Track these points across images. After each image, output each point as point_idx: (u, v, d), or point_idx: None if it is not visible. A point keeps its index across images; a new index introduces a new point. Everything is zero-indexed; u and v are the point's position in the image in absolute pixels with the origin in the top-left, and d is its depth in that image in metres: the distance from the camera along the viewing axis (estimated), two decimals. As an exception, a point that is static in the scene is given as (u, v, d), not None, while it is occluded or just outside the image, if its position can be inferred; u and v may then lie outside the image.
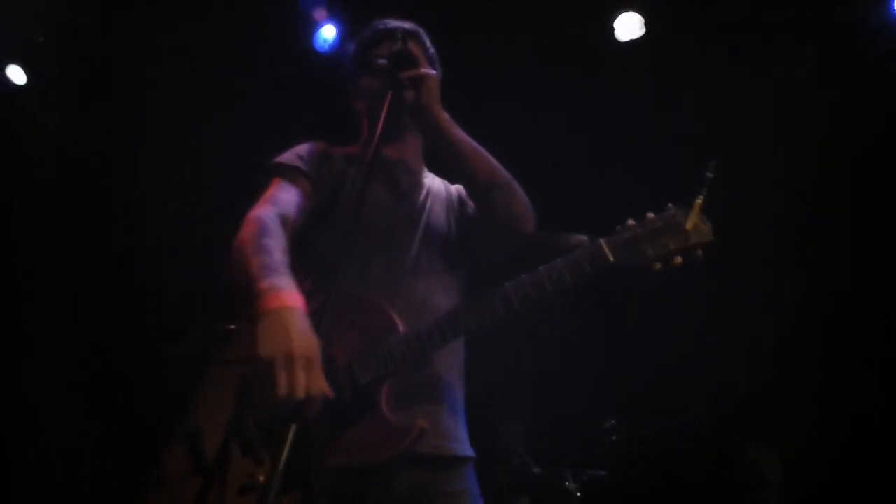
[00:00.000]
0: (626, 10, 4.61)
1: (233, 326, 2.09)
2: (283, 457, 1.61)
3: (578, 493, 4.57)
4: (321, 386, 1.74)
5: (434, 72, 2.22)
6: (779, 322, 4.74)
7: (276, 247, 1.97)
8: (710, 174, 1.93)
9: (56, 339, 5.18)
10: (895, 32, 4.34)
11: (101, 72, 4.94)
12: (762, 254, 4.63)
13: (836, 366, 4.65)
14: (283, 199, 2.18)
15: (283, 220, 2.10)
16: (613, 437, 4.54)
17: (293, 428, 1.62)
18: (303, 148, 2.36)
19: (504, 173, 2.20)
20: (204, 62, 4.85)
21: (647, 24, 4.61)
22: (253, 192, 2.29)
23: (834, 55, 4.48)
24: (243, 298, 1.90)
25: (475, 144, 2.21)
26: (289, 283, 1.87)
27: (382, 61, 2.22)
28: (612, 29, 4.65)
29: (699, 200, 1.95)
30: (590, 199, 4.78)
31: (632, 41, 4.66)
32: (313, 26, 4.79)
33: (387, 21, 2.46)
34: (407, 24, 2.42)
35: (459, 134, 2.20)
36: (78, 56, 4.92)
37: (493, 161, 2.20)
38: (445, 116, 2.19)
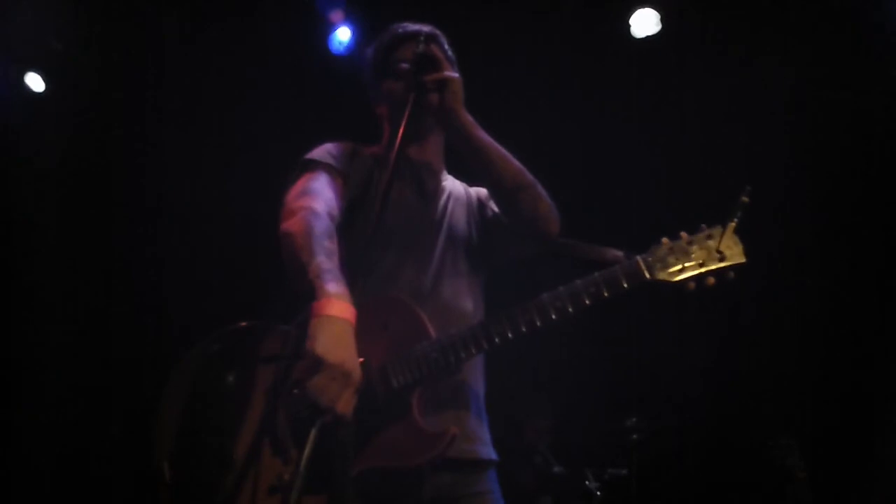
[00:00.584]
0: (642, 6, 4.59)
1: (249, 324, 2.09)
2: (305, 457, 1.62)
3: (599, 493, 4.56)
4: (349, 409, 1.79)
5: (457, 74, 2.19)
6: (806, 318, 4.70)
7: (335, 250, 2.00)
8: (745, 199, 1.95)
9: (67, 339, 5.23)
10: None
11: (118, 79, 4.97)
12: (789, 249, 4.60)
13: (862, 361, 4.61)
14: (327, 194, 2.18)
15: (332, 217, 2.12)
16: (635, 436, 4.52)
17: (315, 429, 1.64)
18: (332, 146, 2.36)
19: (529, 176, 2.19)
20: (220, 66, 4.87)
21: (663, 20, 4.58)
22: (270, 192, 2.31)
23: (854, 52, 4.44)
24: (298, 285, 1.93)
25: (499, 147, 2.20)
26: (348, 296, 1.89)
27: (405, 65, 2.20)
28: (628, 25, 4.63)
29: (733, 223, 2.00)
30: (603, 200, 4.77)
31: (648, 37, 4.64)
32: (329, 29, 4.79)
33: (405, 25, 2.45)
34: (426, 28, 2.41)
35: (484, 136, 2.19)
36: (96, 64, 4.96)
37: (518, 164, 2.20)
38: (470, 119, 2.18)
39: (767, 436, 4.35)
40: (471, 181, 2.53)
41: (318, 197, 2.15)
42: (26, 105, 5.05)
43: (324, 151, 2.33)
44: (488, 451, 2.20)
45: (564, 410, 5.03)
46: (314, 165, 2.27)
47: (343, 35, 4.79)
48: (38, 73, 4.99)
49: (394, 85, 2.38)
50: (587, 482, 4.60)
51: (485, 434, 2.22)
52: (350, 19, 4.77)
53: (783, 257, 4.56)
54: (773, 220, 4.45)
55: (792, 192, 4.68)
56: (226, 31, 4.75)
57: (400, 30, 2.44)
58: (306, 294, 1.89)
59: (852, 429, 4.56)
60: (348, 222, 2.23)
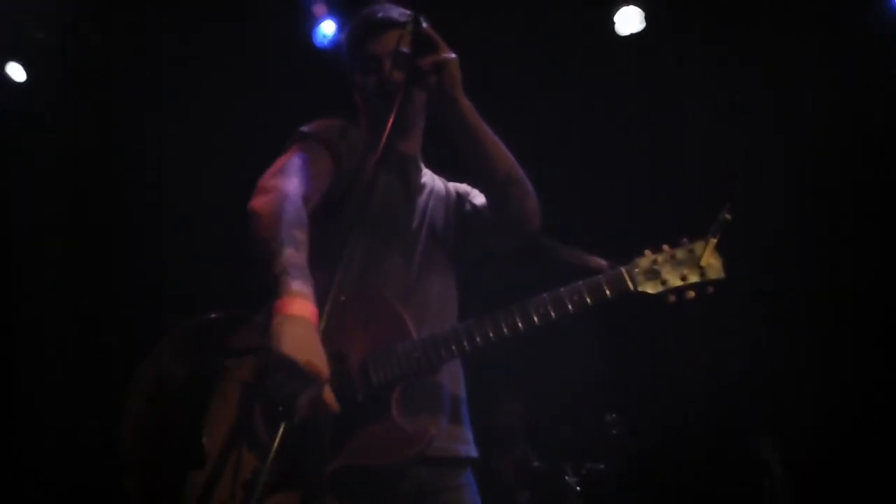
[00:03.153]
0: (626, 4, 4.61)
1: (223, 314, 2.06)
2: (272, 452, 1.63)
3: (578, 487, 4.58)
4: (316, 408, 1.81)
5: (455, 55, 2.08)
6: (780, 316, 4.75)
7: (304, 241, 1.96)
8: (727, 216, 1.98)
9: (57, 336, 5.20)
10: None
11: (100, 70, 4.93)
12: (764, 251, 4.64)
13: (838, 359, 4.66)
14: (307, 173, 2.12)
15: (306, 201, 2.06)
16: (614, 432, 4.56)
17: (284, 424, 1.64)
18: (330, 122, 2.30)
19: (519, 170, 2.17)
20: (203, 59, 4.85)
21: (647, 18, 4.60)
22: (250, 185, 2.25)
23: (836, 52, 4.48)
24: (262, 272, 1.90)
25: (493, 136, 2.16)
26: (311, 293, 1.87)
27: (405, 50, 2.09)
28: (613, 23, 4.64)
29: (714, 240, 2.03)
30: (585, 199, 4.78)
31: (632, 35, 4.65)
32: (312, 22, 4.78)
33: (377, 9, 2.35)
34: (402, 11, 2.31)
35: (480, 124, 2.14)
36: (78, 53, 4.92)
37: (510, 155, 2.17)
38: (468, 104, 2.11)
39: (745, 431, 4.40)
40: (449, 176, 2.53)
41: (295, 177, 2.08)
42: (7, 95, 5.00)
43: (321, 125, 2.27)
44: (468, 450, 2.21)
45: (544, 405, 5.04)
46: (304, 138, 2.22)
47: (327, 28, 4.78)
48: (20, 63, 4.94)
49: (366, 78, 2.32)
50: (566, 477, 4.62)
51: (465, 433, 2.22)
52: (334, 13, 4.75)
53: (763, 257, 4.61)
54: (758, 221, 4.48)
55: (778, 193, 4.72)
56: (210, 22, 4.72)
57: (373, 16, 2.34)
58: (269, 282, 1.86)
59: (831, 425, 4.61)
60: (333, 209, 2.18)
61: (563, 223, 2.29)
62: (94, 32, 4.82)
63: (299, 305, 1.82)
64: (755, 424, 4.57)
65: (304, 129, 2.26)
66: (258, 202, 2.01)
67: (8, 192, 5.17)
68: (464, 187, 2.48)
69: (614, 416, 4.58)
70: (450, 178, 2.51)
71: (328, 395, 1.87)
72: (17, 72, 4.95)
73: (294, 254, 1.90)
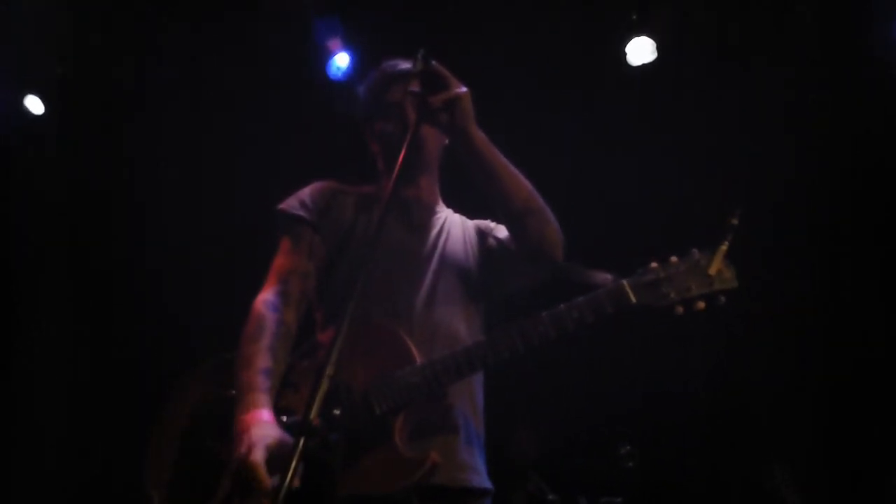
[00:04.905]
0: (638, 34, 4.63)
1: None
2: (284, 488, 1.60)
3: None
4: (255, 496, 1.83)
5: (466, 89, 2.10)
6: (802, 343, 4.70)
7: (260, 355, 2.07)
8: (734, 221, 1.92)
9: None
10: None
11: (118, 102, 5.00)
12: (784, 276, 4.61)
13: (856, 391, 4.60)
14: (285, 267, 2.25)
15: (287, 298, 2.19)
16: (630, 464, 4.50)
17: (296, 459, 1.59)
18: (307, 192, 2.38)
19: (539, 199, 2.16)
20: (219, 91, 4.90)
21: (658, 49, 4.62)
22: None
23: (846, 78, 4.49)
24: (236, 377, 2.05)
25: (511, 167, 2.16)
26: (262, 400, 1.97)
27: (415, 89, 2.07)
28: (625, 53, 4.66)
29: (724, 247, 1.95)
30: (598, 226, 4.78)
31: (644, 65, 4.67)
32: (327, 54, 4.83)
33: (394, 63, 2.43)
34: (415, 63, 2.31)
35: (496, 155, 2.14)
36: (95, 87, 4.98)
37: (529, 185, 2.16)
38: (482, 136, 2.13)
39: (761, 463, 4.34)
40: (471, 214, 2.53)
41: (276, 280, 2.23)
42: (26, 127, 5.07)
43: (295, 200, 2.36)
44: (480, 480, 2.16)
45: (557, 436, 5.00)
46: (283, 222, 2.32)
47: (341, 61, 4.82)
48: (38, 96, 5.01)
49: (386, 125, 2.37)
50: (582, 510, 4.56)
51: (476, 462, 2.18)
52: (348, 46, 4.80)
53: (780, 276, 4.58)
54: (769, 239, 4.47)
55: (786, 215, 4.70)
56: (225, 56, 4.79)
57: (389, 69, 2.43)
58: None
59: (847, 456, 4.54)
60: (333, 260, 2.25)
61: (580, 253, 2.27)
62: (111, 67, 4.88)
63: (246, 410, 1.93)
64: (771, 457, 4.51)
65: (280, 206, 2.36)
66: (244, 329, 2.13)
67: (27, 222, 5.21)
68: (487, 223, 2.48)
69: (629, 447, 4.53)
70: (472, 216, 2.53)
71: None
72: (35, 105, 5.02)
73: (247, 375, 2.02)
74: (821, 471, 4.50)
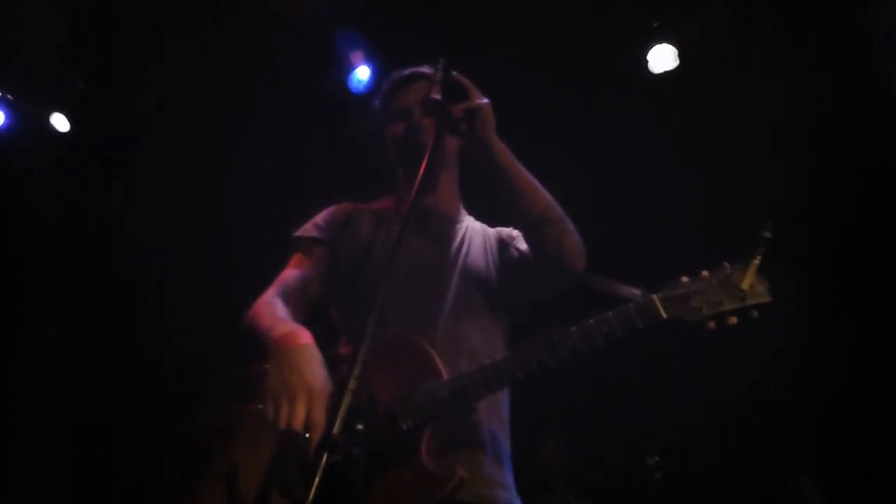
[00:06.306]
0: (660, 41, 4.60)
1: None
2: (314, 487, 1.58)
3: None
4: (319, 419, 1.77)
5: (487, 100, 2.11)
6: (829, 350, 4.62)
7: (281, 308, 2.14)
8: (766, 234, 1.87)
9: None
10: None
11: (142, 119, 5.04)
12: (811, 277, 4.54)
13: (886, 401, 4.52)
14: (289, 277, 2.31)
15: (285, 299, 2.22)
16: (657, 475, 4.45)
17: (321, 471, 1.59)
18: (322, 215, 2.44)
19: (557, 209, 2.15)
20: (240, 104, 4.92)
21: (680, 56, 4.59)
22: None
23: (871, 82, 4.43)
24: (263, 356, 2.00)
25: (530, 177, 2.15)
26: (298, 327, 1.97)
27: (436, 96, 2.05)
28: (646, 61, 4.63)
29: (756, 261, 1.91)
30: (624, 237, 4.75)
31: (665, 73, 4.64)
32: (348, 67, 4.84)
33: (403, 70, 2.47)
34: (430, 68, 2.35)
35: (515, 165, 2.14)
36: (121, 105, 5.03)
37: (548, 195, 2.16)
38: (501, 146, 2.12)
39: (788, 474, 4.28)
40: (492, 222, 2.52)
41: (276, 285, 2.28)
42: (52, 145, 5.12)
43: (310, 224, 2.42)
44: (509, 497, 2.13)
45: (584, 448, 4.95)
46: (297, 246, 2.38)
47: (362, 74, 4.83)
48: (63, 114, 5.06)
49: (396, 128, 2.39)
50: (608, 522, 4.51)
51: (505, 478, 2.15)
52: (370, 59, 4.81)
53: (806, 287, 4.51)
54: (795, 250, 4.40)
55: (814, 225, 4.63)
56: (246, 69, 4.81)
57: (397, 75, 2.46)
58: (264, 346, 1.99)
59: (876, 467, 4.46)
60: (353, 278, 2.27)
61: (606, 264, 2.25)
62: (135, 84, 4.93)
63: (283, 340, 1.92)
64: (798, 467, 4.44)
65: (295, 232, 2.42)
66: (247, 313, 2.18)
67: (53, 240, 5.27)
68: (510, 232, 2.47)
69: (656, 458, 4.48)
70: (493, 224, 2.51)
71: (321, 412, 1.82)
72: (61, 122, 5.07)
73: (271, 318, 2.07)
74: (849, 482, 4.42)
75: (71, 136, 5.12)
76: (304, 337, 1.92)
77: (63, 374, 5.19)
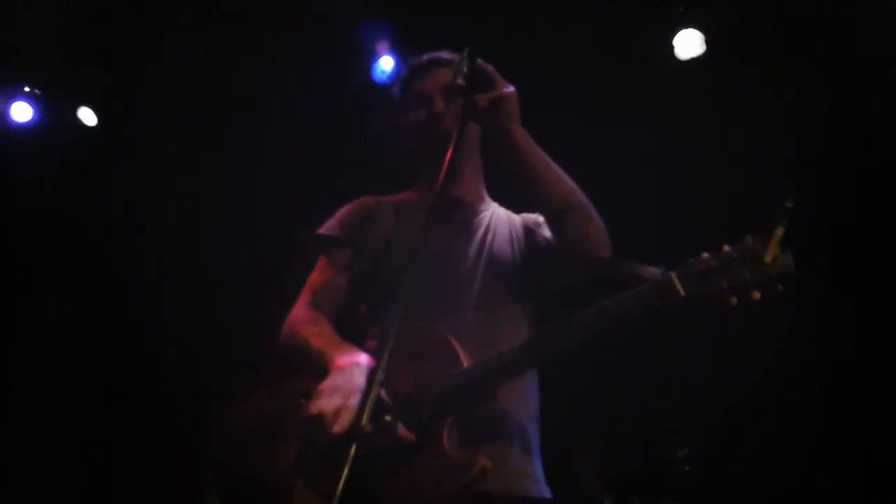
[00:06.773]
0: (686, 27, 4.54)
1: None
2: (339, 490, 1.59)
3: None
4: (349, 407, 1.85)
5: (513, 88, 2.10)
6: (860, 350, 4.56)
7: (325, 323, 2.23)
8: (789, 204, 1.77)
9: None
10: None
11: (166, 113, 5.06)
12: (844, 274, 4.48)
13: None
14: (318, 284, 2.37)
15: (319, 307, 2.30)
16: (687, 468, 4.42)
17: (349, 464, 1.59)
18: (342, 211, 2.44)
19: (580, 196, 2.13)
20: (262, 95, 4.93)
21: (707, 42, 4.52)
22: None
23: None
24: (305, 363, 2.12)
25: (552, 164, 2.13)
26: (355, 350, 2.03)
27: (461, 82, 2.04)
28: (672, 47, 4.57)
29: (779, 231, 1.79)
30: (652, 224, 4.71)
31: (692, 59, 4.58)
32: (372, 58, 4.82)
33: (419, 57, 2.45)
34: (450, 53, 2.37)
35: (537, 152, 2.12)
36: (147, 99, 5.05)
37: (570, 182, 2.13)
38: (523, 135, 2.11)
39: (818, 467, 4.23)
40: (517, 208, 2.50)
41: (308, 293, 2.36)
42: (80, 139, 5.16)
43: (333, 222, 2.44)
44: (538, 489, 2.11)
45: (613, 438, 4.93)
46: (320, 245, 2.42)
47: (386, 64, 4.81)
48: (90, 108, 5.09)
49: (416, 115, 2.37)
50: (636, 514, 4.48)
51: (533, 469, 2.13)
52: (394, 49, 4.79)
53: (839, 273, 4.45)
54: (824, 236, 4.34)
55: (839, 213, 4.56)
56: (269, 61, 4.81)
57: (416, 61, 2.45)
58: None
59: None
60: (376, 272, 2.28)
61: (630, 249, 2.21)
62: (161, 79, 4.94)
63: (341, 357, 2.00)
64: (828, 459, 4.38)
65: (317, 231, 2.45)
66: (285, 329, 2.28)
67: (84, 232, 5.31)
68: (536, 218, 2.44)
69: (686, 450, 4.44)
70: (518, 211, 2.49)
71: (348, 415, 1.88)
72: (88, 116, 5.10)
73: (319, 337, 2.14)
74: (878, 474, 4.36)
75: (71, 136, 5.14)
76: (363, 358, 1.99)
77: (63, 374, 5.23)
